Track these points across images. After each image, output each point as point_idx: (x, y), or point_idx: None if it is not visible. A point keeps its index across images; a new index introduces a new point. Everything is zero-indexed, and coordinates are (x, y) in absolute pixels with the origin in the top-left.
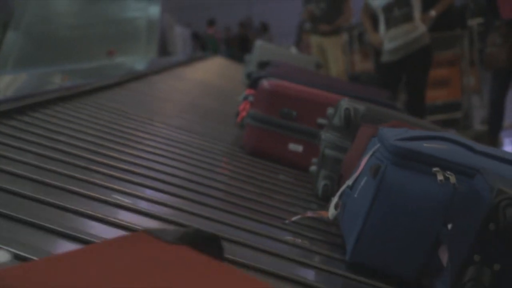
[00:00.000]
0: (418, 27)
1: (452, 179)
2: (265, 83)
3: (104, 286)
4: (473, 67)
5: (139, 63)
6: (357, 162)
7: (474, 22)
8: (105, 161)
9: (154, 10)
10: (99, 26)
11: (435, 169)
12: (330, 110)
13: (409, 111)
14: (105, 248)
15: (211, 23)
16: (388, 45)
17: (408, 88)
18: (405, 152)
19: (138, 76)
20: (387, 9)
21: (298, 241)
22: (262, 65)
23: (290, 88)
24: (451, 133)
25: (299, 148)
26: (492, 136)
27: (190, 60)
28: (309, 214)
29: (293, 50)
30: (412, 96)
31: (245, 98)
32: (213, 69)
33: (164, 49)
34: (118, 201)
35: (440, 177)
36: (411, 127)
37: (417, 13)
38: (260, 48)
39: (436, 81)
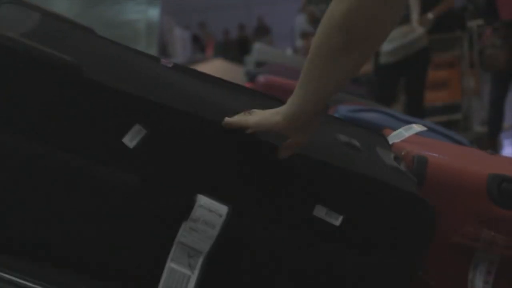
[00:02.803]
0: (416, 29)
1: None
2: (260, 78)
3: None
4: (472, 69)
5: None
6: None
7: (473, 24)
8: None
9: (154, 13)
10: (98, 28)
11: None
12: None
13: (408, 113)
14: None
15: (201, 26)
16: (385, 47)
17: (406, 90)
18: (348, 119)
19: None
20: None
21: None
22: (260, 65)
23: (281, 82)
24: (385, 108)
25: None
26: (492, 137)
27: (190, 62)
28: None
29: (289, 52)
30: (411, 97)
31: None
32: (212, 70)
33: (163, 51)
34: None
35: None
36: (360, 104)
37: (414, 15)
38: (258, 50)
39: (435, 83)
